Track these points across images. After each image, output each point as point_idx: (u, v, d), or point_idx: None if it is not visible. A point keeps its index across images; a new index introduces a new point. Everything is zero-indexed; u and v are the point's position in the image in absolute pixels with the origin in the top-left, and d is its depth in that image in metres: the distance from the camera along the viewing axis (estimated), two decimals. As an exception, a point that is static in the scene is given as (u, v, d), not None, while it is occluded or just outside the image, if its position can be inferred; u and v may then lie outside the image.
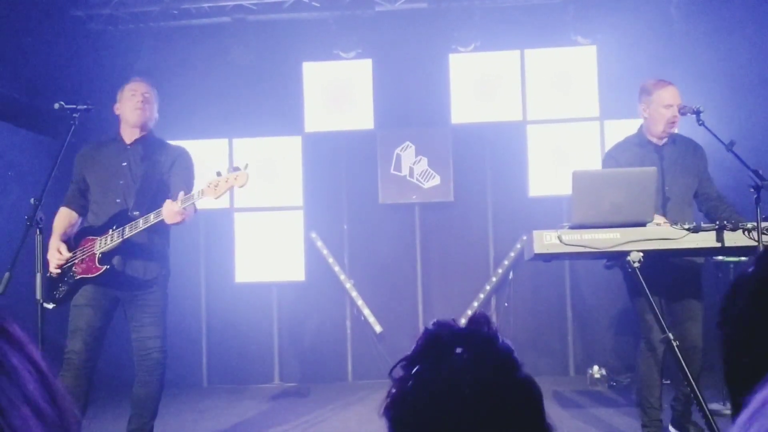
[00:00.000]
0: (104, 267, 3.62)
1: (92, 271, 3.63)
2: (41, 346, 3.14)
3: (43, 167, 4.33)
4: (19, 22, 5.89)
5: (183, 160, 3.96)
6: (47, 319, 3.37)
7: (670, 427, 4.15)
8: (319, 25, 6.49)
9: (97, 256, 3.64)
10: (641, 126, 4.03)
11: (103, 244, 3.65)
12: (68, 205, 3.92)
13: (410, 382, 0.96)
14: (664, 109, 3.84)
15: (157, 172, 3.84)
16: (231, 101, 6.54)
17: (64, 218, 3.86)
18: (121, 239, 3.62)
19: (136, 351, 3.79)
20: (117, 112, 3.97)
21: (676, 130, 3.90)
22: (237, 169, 3.61)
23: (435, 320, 1.02)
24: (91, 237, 3.71)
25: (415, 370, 0.97)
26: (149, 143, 3.95)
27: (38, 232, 3.39)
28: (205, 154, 6.57)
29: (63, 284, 3.68)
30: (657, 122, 3.89)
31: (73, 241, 3.78)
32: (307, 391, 6.04)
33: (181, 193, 3.53)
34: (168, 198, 3.60)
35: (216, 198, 3.58)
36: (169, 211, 3.51)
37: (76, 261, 3.68)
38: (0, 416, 0.50)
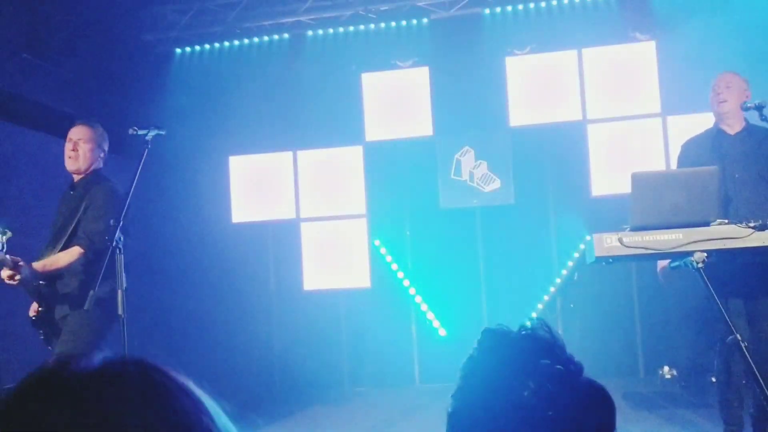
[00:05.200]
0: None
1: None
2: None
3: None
4: (95, 50, 6.23)
5: (95, 201, 3.89)
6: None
7: None
8: (376, 36, 6.61)
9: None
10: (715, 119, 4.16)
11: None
12: None
13: (462, 386, 0.98)
14: (712, 92, 4.04)
15: (74, 220, 3.86)
16: (293, 115, 6.74)
17: None
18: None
19: None
20: None
21: (725, 109, 3.96)
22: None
23: (489, 326, 1.03)
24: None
25: (468, 372, 0.99)
26: (83, 187, 3.96)
27: (119, 252, 3.61)
28: (272, 167, 6.80)
29: None
30: (711, 106, 4.08)
31: None
32: (374, 393, 6.16)
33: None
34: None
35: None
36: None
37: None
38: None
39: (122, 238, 3.65)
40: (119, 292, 3.53)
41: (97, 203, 3.86)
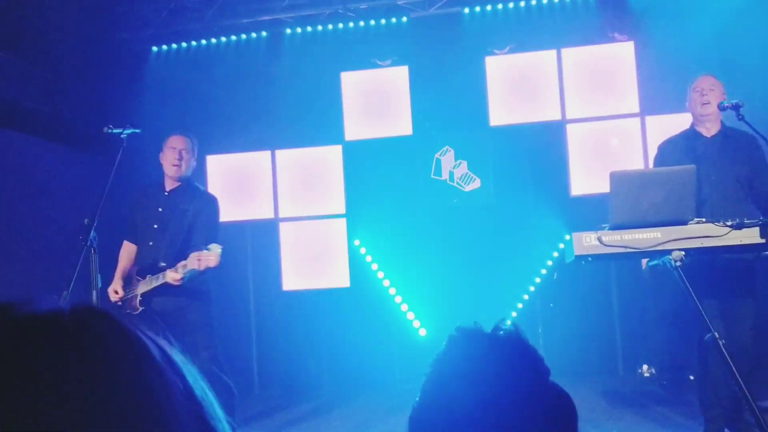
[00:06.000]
0: (142, 308, 4.10)
1: (135, 309, 4.12)
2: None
3: (93, 187, 4.53)
4: (70, 48, 6.14)
5: (208, 210, 4.27)
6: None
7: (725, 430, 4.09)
8: (355, 35, 6.59)
9: (138, 297, 4.12)
10: (692, 121, 4.16)
11: (143, 287, 4.10)
12: (128, 238, 4.38)
13: (428, 382, 0.99)
14: (694, 93, 4.03)
15: (185, 222, 4.20)
16: (272, 113, 6.69)
17: (126, 253, 4.35)
18: (152, 287, 4.05)
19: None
20: (161, 160, 4.31)
21: (709, 111, 3.97)
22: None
23: (458, 326, 1.03)
24: (138, 277, 4.19)
25: (432, 371, 0.99)
26: (184, 192, 4.28)
27: (93, 251, 3.56)
28: (250, 166, 6.75)
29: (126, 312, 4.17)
30: (692, 108, 4.07)
31: (130, 277, 4.27)
32: (354, 394, 6.13)
33: (181, 263, 3.89)
34: (190, 249, 3.98)
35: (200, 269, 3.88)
36: (171, 278, 3.91)
37: (128, 297, 4.17)
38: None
39: (96, 237, 3.60)
40: (93, 292, 3.48)
41: (209, 213, 4.24)
